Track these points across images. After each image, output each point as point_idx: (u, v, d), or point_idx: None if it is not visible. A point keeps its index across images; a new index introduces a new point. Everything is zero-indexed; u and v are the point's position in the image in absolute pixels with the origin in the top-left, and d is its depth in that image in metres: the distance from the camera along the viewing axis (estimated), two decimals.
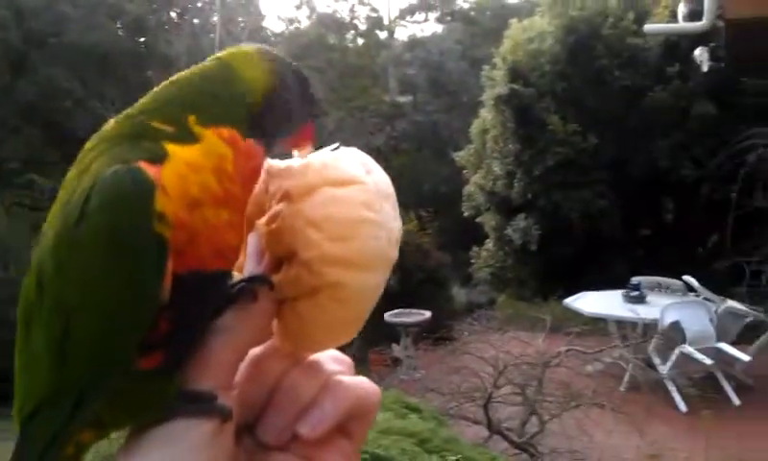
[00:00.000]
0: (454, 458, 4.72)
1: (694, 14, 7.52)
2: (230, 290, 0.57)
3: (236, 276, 0.59)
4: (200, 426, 0.52)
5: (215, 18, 19.04)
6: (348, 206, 0.56)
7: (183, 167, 0.51)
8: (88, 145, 0.54)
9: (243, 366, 0.57)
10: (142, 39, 20.91)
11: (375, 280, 0.57)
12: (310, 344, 0.59)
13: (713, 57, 9.34)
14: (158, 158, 0.50)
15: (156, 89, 0.56)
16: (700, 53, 9.38)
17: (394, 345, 10.32)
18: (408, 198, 18.53)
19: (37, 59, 18.22)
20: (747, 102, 12.12)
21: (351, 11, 24.12)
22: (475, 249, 16.08)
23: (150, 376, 0.51)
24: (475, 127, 16.45)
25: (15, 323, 0.53)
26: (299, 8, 26.60)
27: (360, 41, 24.15)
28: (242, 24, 19.89)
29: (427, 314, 10.44)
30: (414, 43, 24.53)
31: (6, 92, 18.17)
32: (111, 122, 0.55)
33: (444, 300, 12.47)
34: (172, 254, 0.49)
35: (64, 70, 17.75)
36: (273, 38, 22.46)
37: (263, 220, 0.60)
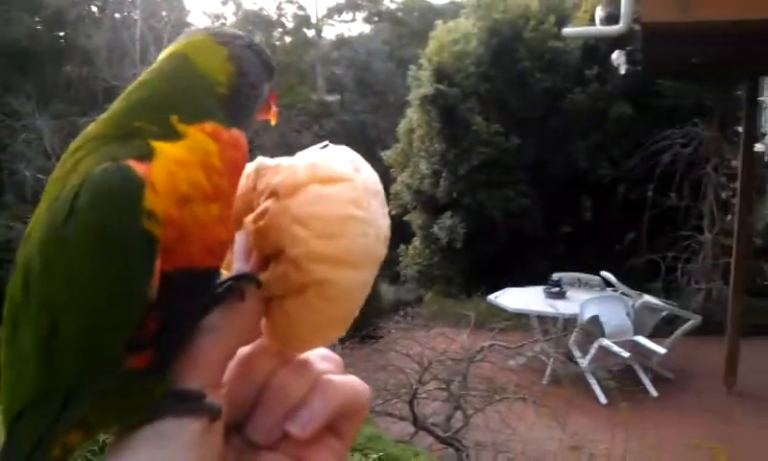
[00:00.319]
0: (376, 456, 4.74)
1: (612, 18, 7.74)
2: (218, 289, 0.56)
3: (224, 274, 0.58)
4: (188, 426, 0.52)
5: (136, 13, 18.57)
6: (335, 204, 0.56)
7: (172, 164, 0.51)
8: (73, 146, 0.54)
9: (231, 365, 0.57)
10: (62, 34, 20.29)
11: (363, 278, 0.57)
12: (298, 342, 0.59)
13: (630, 60, 9.67)
14: (147, 156, 0.50)
15: (124, 95, 0.56)
16: (617, 56, 9.69)
17: None
18: None
19: None
20: (663, 104, 12.59)
21: (279, 8, 24.01)
22: (402, 247, 16.17)
23: (138, 375, 0.51)
24: (402, 126, 16.57)
25: None
26: (224, 4, 26.37)
27: (287, 39, 24.02)
28: (165, 19, 19.46)
29: None
30: (341, 42, 24.50)
31: None
32: (94, 124, 0.55)
33: (371, 297, 12.11)
34: (161, 252, 0.49)
35: None
36: None
37: (250, 217, 0.59)
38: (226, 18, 24.44)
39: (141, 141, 0.51)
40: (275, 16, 23.97)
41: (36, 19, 20.47)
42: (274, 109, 0.65)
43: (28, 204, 14.62)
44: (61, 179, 0.51)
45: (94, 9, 21.07)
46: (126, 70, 15.61)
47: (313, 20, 24.64)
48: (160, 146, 0.51)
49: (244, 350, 0.58)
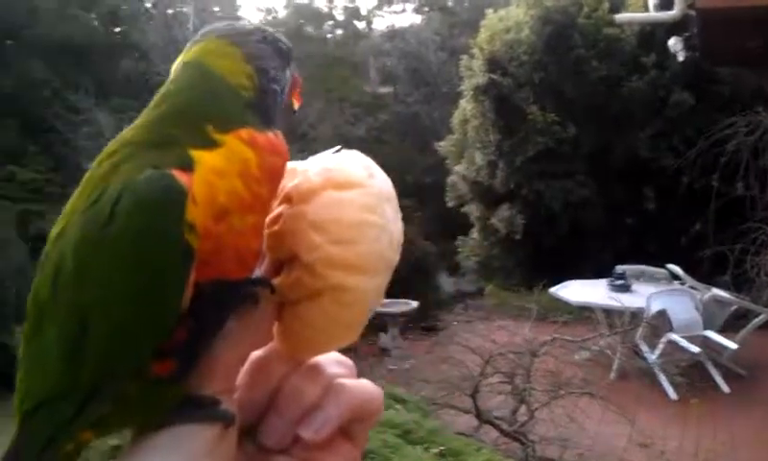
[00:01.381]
0: (437, 450, 4.69)
1: (666, 4, 7.50)
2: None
3: None
4: (202, 432, 0.52)
5: (188, 8, 18.80)
6: (350, 209, 0.56)
7: (211, 174, 0.51)
8: (109, 149, 0.54)
9: (244, 369, 0.58)
10: (117, 30, 20.67)
11: (377, 284, 0.57)
12: (311, 347, 0.59)
13: (688, 46, 9.35)
14: (187, 166, 0.50)
15: (152, 106, 0.56)
16: (674, 43, 9.40)
17: (381, 334, 10.29)
18: None
19: (12, 51, 17.90)
20: (722, 91, 12.17)
21: (329, 1, 23.98)
22: (461, 238, 16.00)
23: (159, 382, 0.51)
24: (456, 117, 16.38)
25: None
26: None
27: (339, 32, 24.05)
28: (217, 13, 19.67)
29: (414, 304, 10.39)
30: (392, 34, 24.41)
31: None
32: (130, 130, 0.55)
33: (431, 289, 12.40)
34: (196, 264, 0.49)
35: (40, 61, 17.43)
36: None
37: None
38: (276, 12, 24.57)
39: (180, 149, 0.52)
40: (325, 9, 23.97)
41: (92, 16, 20.93)
42: (296, 92, 0.64)
43: None
44: (98, 181, 0.52)
45: (148, 5, 21.41)
46: None
47: (363, 12, 24.60)
48: (199, 155, 0.52)
49: (256, 354, 0.59)
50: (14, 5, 18.66)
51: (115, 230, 0.48)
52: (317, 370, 0.59)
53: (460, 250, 16.12)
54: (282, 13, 24.45)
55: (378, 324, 10.11)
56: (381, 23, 26.64)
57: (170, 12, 20.02)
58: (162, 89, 0.57)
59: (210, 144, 0.52)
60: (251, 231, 0.53)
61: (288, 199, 0.58)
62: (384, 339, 10.21)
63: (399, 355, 9.92)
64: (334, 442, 0.57)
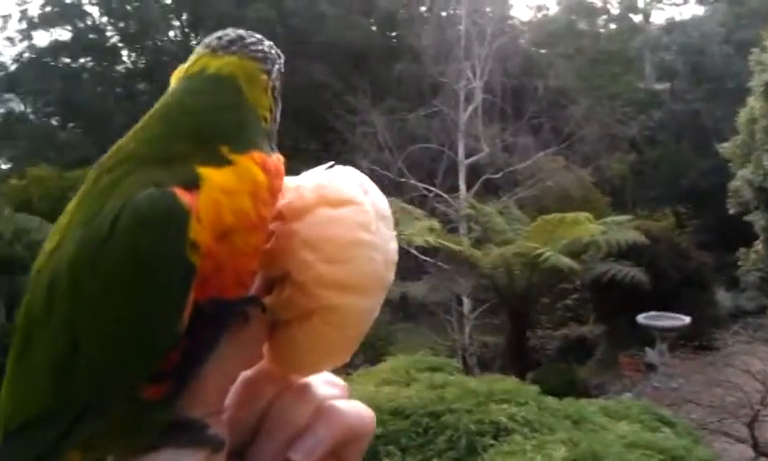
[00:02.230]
0: None
1: None
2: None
3: None
4: (189, 457, 0.50)
5: (461, 9, 19.18)
6: (344, 228, 0.54)
7: (218, 193, 0.50)
8: (107, 164, 0.52)
9: (233, 389, 0.56)
10: (393, 34, 21.76)
11: (370, 304, 0.56)
12: (302, 367, 0.58)
13: None
14: (192, 184, 0.49)
15: (160, 116, 0.54)
16: None
17: (647, 349, 9.74)
18: (664, 193, 17.49)
19: (299, 56, 19.65)
20: None
21: None
22: (742, 250, 14.62)
23: (151, 404, 0.49)
24: (742, 116, 14.94)
25: None
26: None
27: (612, 26, 23.13)
28: (489, 14, 19.87)
29: (686, 319, 9.66)
30: (672, 27, 22.93)
31: None
32: (129, 143, 0.53)
33: (706, 304, 11.40)
34: (196, 282, 0.48)
35: (323, 66, 18.94)
36: (520, 27, 22.19)
37: None
38: (548, 9, 24.26)
39: (186, 167, 0.50)
40: (599, 3, 23.17)
41: (371, 21, 22.23)
42: None
43: None
44: (97, 196, 0.50)
45: (422, 8, 22.23)
46: (451, 66, 16.15)
47: (640, 5, 23.39)
48: (207, 173, 0.50)
49: (246, 374, 0.57)
50: (304, 12, 20.43)
51: (114, 248, 0.46)
52: (308, 390, 0.57)
53: (741, 263, 14.72)
54: (554, 10, 24.06)
55: (645, 337, 9.53)
56: (660, 16, 25.14)
57: (443, 14, 20.61)
58: (179, 94, 0.55)
59: (220, 162, 0.51)
60: (251, 252, 0.52)
61: (280, 216, 0.56)
62: (650, 354, 9.63)
63: (666, 373, 9.31)
64: None
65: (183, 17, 24.70)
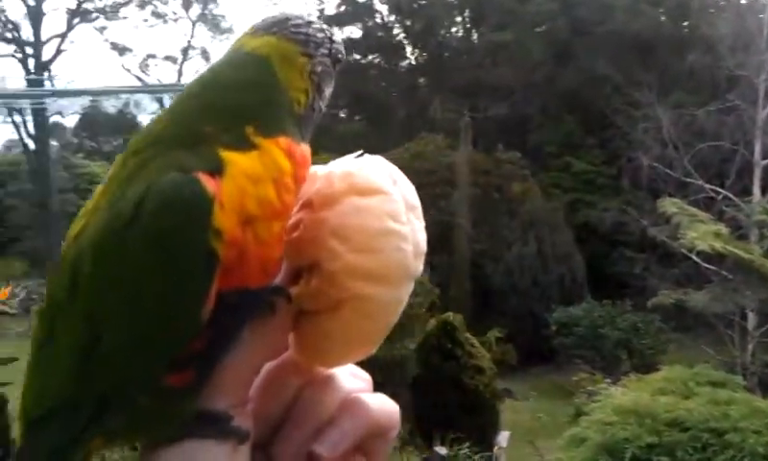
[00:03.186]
0: None
1: None
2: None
3: None
4: (214, 449, 0.50)
5: None
6: (373, 217, 0.53)
7: (243, 179, 0.48)
8: (134, 146, 0.51)
9: (257, 381, 0.54)
10: (685, 23, 20.39)
11: (399, 294, 0.55)
12: (329, 358, 0.57)
13: None
14: (217, 169, 0.48)
15: (192, 93, 0.53)
16: None
17: None
18: None
19: (581, 47, 19.18)
20: None
21: None
22: None
23: (173, 393, 0.49)
24: None
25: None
26: None
27: None
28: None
29: None
30: None
31: (549, 81, 19.62)
32: (157, 124, 0.53)
33: None
34: (219, 272, 0.47)
35: (605, 58, 18.30)
36: None
37: None
38: None
39: (211, 150, 0.49)
40: None
41: (660, 11, 21.02)
42: None
43: (642, 190, 15.25)
44: (123, 181, 0.49)
45: None
46: (751, 58, 14.77)
47: None
48: (231, 157, 0.49)
49: (271, 365, 0.55)
50: (590, 2, 19.89)
51: (136, 233, 0.45)
52: (333, 383, 0.56)
53: None
54: None
55: None
56: None
57: (743, 1, 18.87)
58: (208, 74, 0.55)
59: (246, 146, 0.50)
60: (275, 240, 0.51)
61: (309, 205, 0.55)
62: None
63: None
64: (349, 458, 0.54)
65: (466, 13, 25.31)
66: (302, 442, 0.54)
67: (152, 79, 30.87)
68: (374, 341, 0.57)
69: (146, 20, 30.01)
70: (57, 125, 29.49)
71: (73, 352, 0.48)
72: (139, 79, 30.43)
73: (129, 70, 30.54)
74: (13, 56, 27.54)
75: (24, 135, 26.16)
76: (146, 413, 0.50)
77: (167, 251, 0.46)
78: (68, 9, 27.81)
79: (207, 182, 0.47)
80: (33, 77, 25.39)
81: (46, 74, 26.69)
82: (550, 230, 16.27)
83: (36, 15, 27.03)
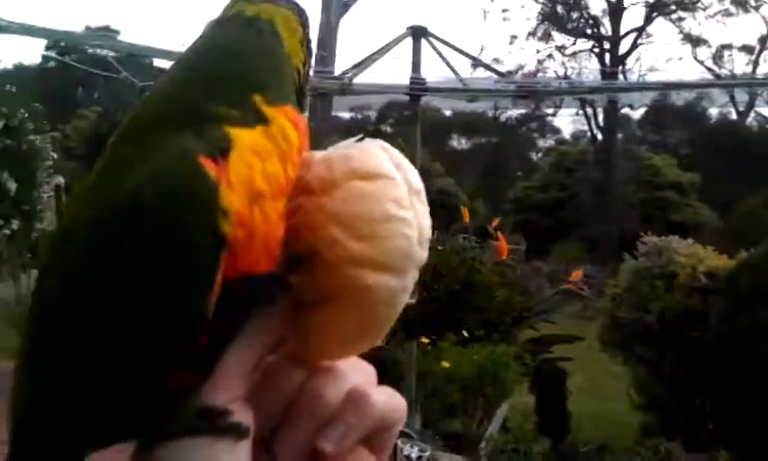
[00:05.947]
0: None
1: None
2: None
3: None
4: (213, 445, 0.48)
5: None
6: (376, 203, 0.51)
7: (249, 155, 0.46)
8: (131, 126, 0.48)
9: (257, 375, 0.52)
10: None
11: (403, 283, 0.52)
12: (331, 350, 0.54)
13: None
14: (222, 150, 0.45)
15: (191, 58, 0.51)
16: None
17: None
18: None
19: None
20: None
21: None
22: None
23: (175, 391, 0.46)
24: None
25: None
26: None
27: None
28: None
29: None
30: None
31: None
32: (153, 100, 0.49)
33: None
34: (225, 256, 0.44)
35: None
36: None
37: None
38: None
39: (214, 128, 0.46)
40: None
41: None
42: None
43: None
44: (118, 166, 0.46)
45: None
46: None
47: None
48: (238, 133, 0.46)
49: (271, 358, 0.54)
50: None
51: (133, 220, 0.42)
52: (337, 376, 0.54)
53: None
54: None
55: None
56: None
57: None
58: (204, 42, 0.51)
59: (254, 119, 0.47)
60: (279, 220, 0.48)
61: (307, 189, 0.52)
62: None
63: None
64: (354, 451, 0.52)
65: None
66: (306, 437, 0.52)
67: (725, 71, 29.46)
68: (378, 332, 0.55)
69: (725, 10, 28.66)
70: (625, 117, 30.44)
71: (67, 349, 0.45)
72: (711, 71, 29.32)
73: (701, 62, 29.74)
74: (592, 50, 29.20)
75: (593, 126, 27.65)
76: (144, 412, 0.47)
77: (166, 241, 0.43)
78: (647, 2, 28.26)
79: (210, 166, 0.44)
80: (607, 70, 26.55)
81: (620, 68, 27.65)
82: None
83: (616, 11, 28.11)
